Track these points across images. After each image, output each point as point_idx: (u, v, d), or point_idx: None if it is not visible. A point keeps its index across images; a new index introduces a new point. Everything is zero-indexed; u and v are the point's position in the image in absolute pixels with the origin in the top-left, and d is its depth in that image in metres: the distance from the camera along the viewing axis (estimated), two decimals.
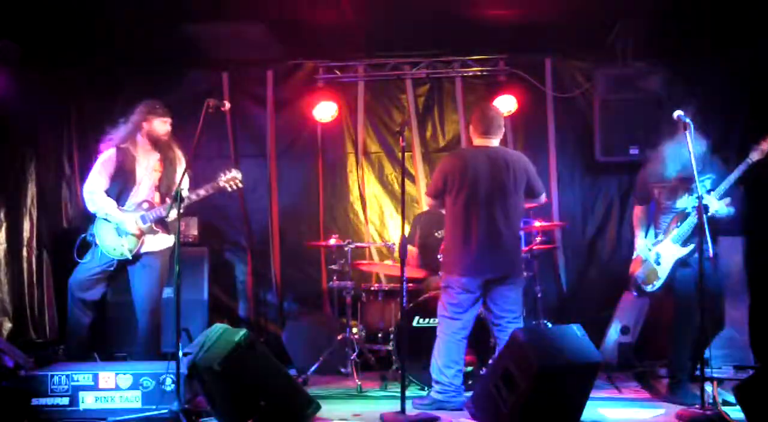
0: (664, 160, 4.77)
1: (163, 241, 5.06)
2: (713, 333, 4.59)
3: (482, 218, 4.57)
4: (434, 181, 4.79)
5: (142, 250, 4.98)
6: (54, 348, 6.04)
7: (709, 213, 4.48)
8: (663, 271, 4.76)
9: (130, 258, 4.96)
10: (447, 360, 4.56)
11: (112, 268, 5.01)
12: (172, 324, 4.14)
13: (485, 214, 4.58)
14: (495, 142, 4.78)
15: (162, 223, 5.00)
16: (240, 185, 4.86)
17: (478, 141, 4.79)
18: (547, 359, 3.82)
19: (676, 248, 4.71)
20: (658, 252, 4.79)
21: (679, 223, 4.71)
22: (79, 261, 5.08)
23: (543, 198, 4.90)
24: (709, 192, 4.59)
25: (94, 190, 5.02)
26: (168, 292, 5.52)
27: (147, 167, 5.06)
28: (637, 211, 5.08)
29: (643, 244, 4.92)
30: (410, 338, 4.91)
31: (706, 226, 4.26)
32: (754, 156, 4.55)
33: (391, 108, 6.90)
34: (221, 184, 4.91)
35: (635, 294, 5.02)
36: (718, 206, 4.59)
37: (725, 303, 4.90)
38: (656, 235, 4.88)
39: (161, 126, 5.06)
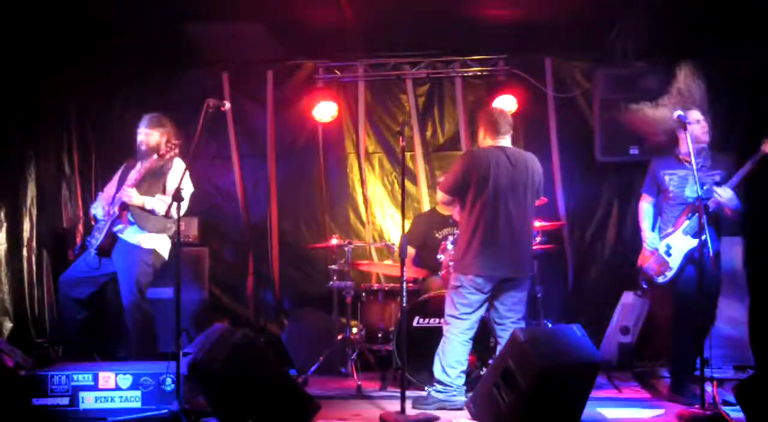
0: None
1: (140, 241, 5.06)
2: (707, 331, 4.58)
3: (503, 217, 4.56)
4: (454, 176, 4.69)
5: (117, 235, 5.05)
6: (54, 348, 6.05)
7: (721, 202, 4.49)
8: (674, 263, 4.73)
9: (98, 246, 5.04)
10: (452, 360, 4.56)
11: (97, 270, 5.09)
12: (172, 324, 4.14)
13: (506, 213, 4.56)
14: (508, 140, 4.77)
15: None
16: None
17: (491, 142, 4.73)
18: (547, 359, 3.81)
19: (686, 240, 4.68)
20: (669, 243, 4.76)
21: (690, 215, 4.69)
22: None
23: (537, 200, 4.90)
24: (718, 184, 4.58)
25: None
26: (168, 292, 5.54)
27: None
28: (644, 204, 5.03)
29: (651, 237, 4.90)
30: (410, 338, 4.91)
31: (706, 226, 4.26)
32: (766, 148, 4.51)
33: (391, 108, 6.90)
34: None
35: (644, 286, 4.98)
36: (730, 195, 4.57)
37: (724, 303, 4.90)
38: (663, 227, 4.86)
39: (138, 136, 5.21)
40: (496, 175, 4.56)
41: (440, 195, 4.85)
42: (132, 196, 4.97)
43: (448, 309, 4.66)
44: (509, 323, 4.62)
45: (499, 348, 4.65)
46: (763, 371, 3.99)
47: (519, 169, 4.62)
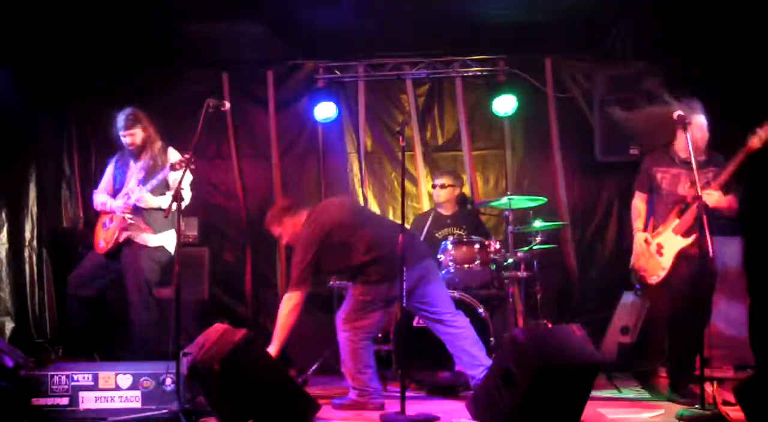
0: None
1: (148, 239, 5.07)
2: (702, 329, 4.58)
3: (383, 235, 4.68)
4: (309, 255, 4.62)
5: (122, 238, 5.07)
6: (54, 348, 6.06)
7: (710, 206, 4.48)
8: (666, 262, 4.70)
9: (106, 250, 5.07)
10: (361, 365, 4.55)
11: (104, 267, 5.13)
12: (172, 324, 4.14)
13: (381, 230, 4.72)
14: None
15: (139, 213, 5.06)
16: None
17: (303, 212, 4.81)
18: (547, 359, 3.81)
19: (677, 239, 4.67)
20: (660, 242, 4.75)
21: (680, 213, 4.68)
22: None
23: None
24: (709, 183, 4.57)
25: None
26: (168, 292, 5.53)
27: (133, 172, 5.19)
28: (637, 201, 4.99)
29: (643, 236, 4.88)
30: (410, 338, 4.91)
31: (705, 225, 4.25)
32: (753, 144, 4.48)
33: (391, 108, 6.90)
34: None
35: (637, 286, 4.97)
36: (717, 197, 4.55)
37: (724, 303, 4.89)
38: (656, 226, 4.85)
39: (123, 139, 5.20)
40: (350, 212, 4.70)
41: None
42: (148, 200, 5.03)
43: (362, 321, 4.58)
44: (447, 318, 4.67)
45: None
46: (763, 371, 3.97)
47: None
